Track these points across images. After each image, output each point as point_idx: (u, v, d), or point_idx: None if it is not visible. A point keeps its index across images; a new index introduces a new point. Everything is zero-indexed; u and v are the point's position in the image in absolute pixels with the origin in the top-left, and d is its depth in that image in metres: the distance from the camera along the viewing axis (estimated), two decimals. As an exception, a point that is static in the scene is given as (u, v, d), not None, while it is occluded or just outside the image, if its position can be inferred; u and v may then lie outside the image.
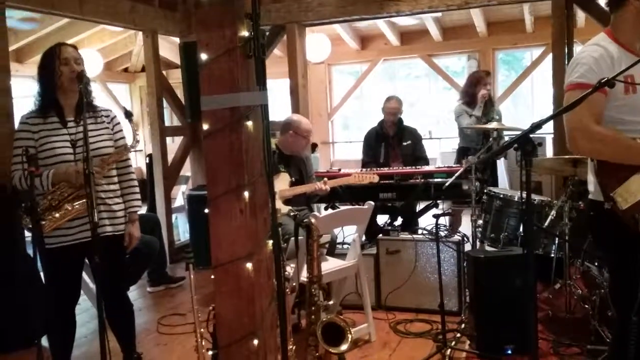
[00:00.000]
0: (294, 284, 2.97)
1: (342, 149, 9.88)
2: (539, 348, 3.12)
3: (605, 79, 1.92)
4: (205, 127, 2.05)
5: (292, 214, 3.80)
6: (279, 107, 7.37)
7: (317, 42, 7.21)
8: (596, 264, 3.50)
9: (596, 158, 2.18)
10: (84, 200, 2.64)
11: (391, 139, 5.30)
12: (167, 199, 5.84)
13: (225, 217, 2.00)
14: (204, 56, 2.01)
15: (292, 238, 3.08)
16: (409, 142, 5.26)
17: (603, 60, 2.14)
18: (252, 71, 2.03)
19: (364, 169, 4.92)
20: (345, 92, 9.44)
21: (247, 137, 2.02)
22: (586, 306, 3.45)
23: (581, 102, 1.93)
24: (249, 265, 1.98)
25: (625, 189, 2.10)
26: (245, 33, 2.00)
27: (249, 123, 2.02)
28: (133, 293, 4.70)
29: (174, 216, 6.20)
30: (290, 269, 2.94)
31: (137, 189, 3.07)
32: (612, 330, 3.14)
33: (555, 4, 4.80)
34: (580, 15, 6.65)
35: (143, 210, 4.69)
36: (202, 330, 2.45)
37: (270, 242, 2.08)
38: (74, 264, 2.91)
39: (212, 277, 2.02)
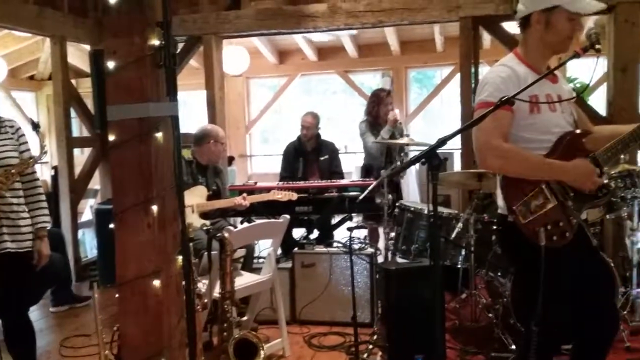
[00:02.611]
0: (206, 300, 2.91)
1: (260, 162, 9.82)
2: (447, 357, 3.24)
3: (506, 97, 2.01)
4: (111, 137, 1.97)
5: (204, 227, 3.74)
6: (197, 119, 7.22)
7: (235, 55, 7.15)
8: (499, 274, 3.67)
9: (503, 174, 2.28)
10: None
11: (310, 154, 5.33)
12: (73, 214, 5.56)
13: (132, 231, 1.93)
14: (111, 64, 1.94)
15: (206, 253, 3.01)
16: (326, 156, 5.31)
17: (510, 80, 2.23)
18: (163, 81, 1.98)
19: (281, 183, 4.92)
20: (264, 106, 9.42)
21: (156, 148, 1.96)
22: (490, 315, 3.60)
23: (484, 118, 2.00)
24: (157, 282, 1.91)
25: (526, 203, 2.22)
26: (156, 42, 1.95)
27: (159, 134, 1.96)
28: (34, 313, 4.41)
29: (80, 232, 5.91)
30: (202, 285, 2.87)
31: (45, 204, 2.92)
32: (514, 338, 3.30)
33: (463, 26, 5.02)
34: (486, 37, 7.01)
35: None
36: (106, 352, 2.34)
37: (180, 257, 2.02)
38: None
39: (117, 295, 1.94)
